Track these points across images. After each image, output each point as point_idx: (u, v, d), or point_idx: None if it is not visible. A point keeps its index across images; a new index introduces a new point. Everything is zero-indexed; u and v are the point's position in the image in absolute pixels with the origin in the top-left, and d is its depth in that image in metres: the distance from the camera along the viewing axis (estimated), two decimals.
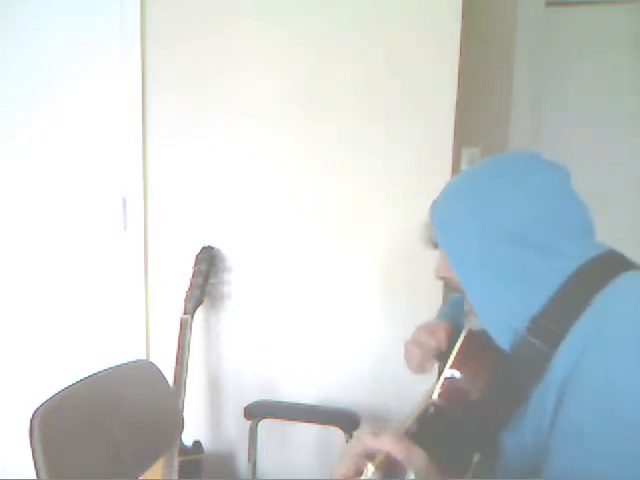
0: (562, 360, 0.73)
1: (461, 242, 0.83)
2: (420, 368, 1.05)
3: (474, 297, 0.83)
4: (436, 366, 1.07)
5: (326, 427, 1.72)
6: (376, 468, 0.65)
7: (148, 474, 1.19)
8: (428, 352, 1.03)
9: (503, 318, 0.80)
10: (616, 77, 2.26)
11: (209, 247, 1.82)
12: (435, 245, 0.90)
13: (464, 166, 1.98)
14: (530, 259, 0.77)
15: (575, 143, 2.27)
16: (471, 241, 0.81)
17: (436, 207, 0.89)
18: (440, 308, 1.23)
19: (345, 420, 1.59)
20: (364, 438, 0.70)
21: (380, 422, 1.77)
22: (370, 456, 0.69)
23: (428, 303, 1.68)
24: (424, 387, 1.07)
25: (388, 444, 0.67)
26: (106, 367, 1.17)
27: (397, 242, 1.72)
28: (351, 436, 1.57)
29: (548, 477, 0.72)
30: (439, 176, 1.66)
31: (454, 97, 1.64)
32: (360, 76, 1.69)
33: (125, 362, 1.23)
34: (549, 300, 0.76)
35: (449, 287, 0.93)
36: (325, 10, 1.70)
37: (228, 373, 1.90)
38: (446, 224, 0.86)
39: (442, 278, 0.90)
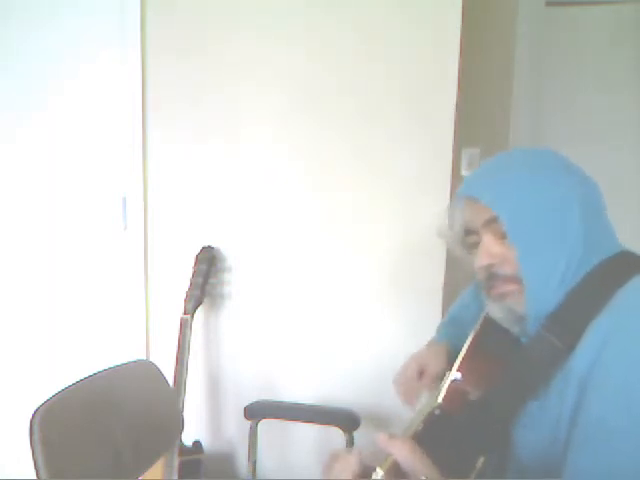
0: (583, 354, 0.73)
1: (525, 211, 0.80)
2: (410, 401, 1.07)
3: (527, 265, 0.80)
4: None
5: (326, 427, 1.71)
6: (385, 472, 0.63)
7: (148, 474, 1.19)
8: (417, 390, 1.05)
9: (552, 283, 0.78)
10: (616, 77, 2.26)
11: (209, 247, 1.82)
12: (463, 246, 0.88)
13: (464, 166, 1.98)
14: (575, 238, 0.77)
15: (575, 143, 2.26)
16: (532, 209, 0.79)
17: (484, 181, 0.86)
18: (439, 326, 1.22)
19: (345, 420, 1.59)
20: (380, 438, 0.67)
21: (380, 422, 1.77)
22: (380, 458, 0.67)
23: (428, 304, 1.68)
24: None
25: (395, 449, 0.65)
26: (106, 367, 1.16)
27: (398, 242, 1.72)
28: (351, 436, 1.57)
29: (570, 471, 0.71)
30: (439, 176, 1.67)
31: (454, 97, 1.64)
32: (360, 77, 1.69)
33: (125, 362, 1.22)
34: (566, 296, 0.77)
35: (479, 285, 0.90)
36: (324, 16, 1.70)
37: (228, 373, 1.90)
38: (505, 193, 0.81)
39: (484, 267, 0.85)
